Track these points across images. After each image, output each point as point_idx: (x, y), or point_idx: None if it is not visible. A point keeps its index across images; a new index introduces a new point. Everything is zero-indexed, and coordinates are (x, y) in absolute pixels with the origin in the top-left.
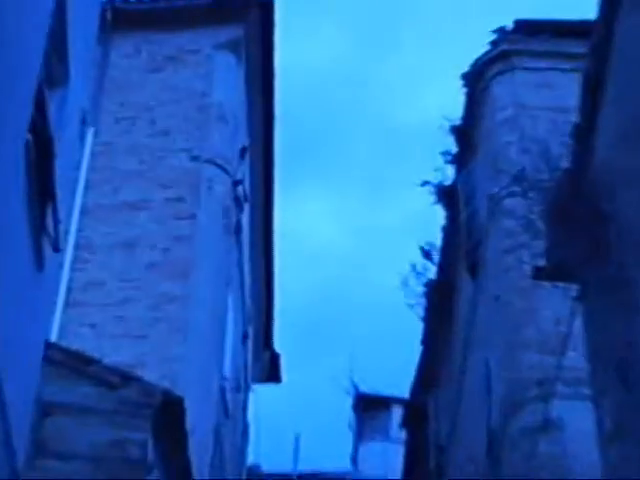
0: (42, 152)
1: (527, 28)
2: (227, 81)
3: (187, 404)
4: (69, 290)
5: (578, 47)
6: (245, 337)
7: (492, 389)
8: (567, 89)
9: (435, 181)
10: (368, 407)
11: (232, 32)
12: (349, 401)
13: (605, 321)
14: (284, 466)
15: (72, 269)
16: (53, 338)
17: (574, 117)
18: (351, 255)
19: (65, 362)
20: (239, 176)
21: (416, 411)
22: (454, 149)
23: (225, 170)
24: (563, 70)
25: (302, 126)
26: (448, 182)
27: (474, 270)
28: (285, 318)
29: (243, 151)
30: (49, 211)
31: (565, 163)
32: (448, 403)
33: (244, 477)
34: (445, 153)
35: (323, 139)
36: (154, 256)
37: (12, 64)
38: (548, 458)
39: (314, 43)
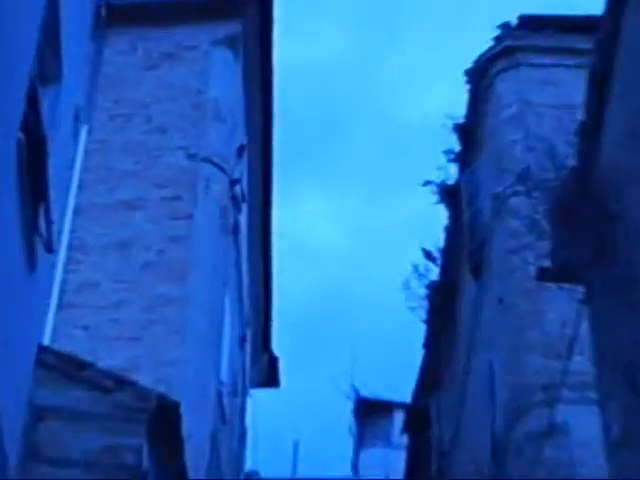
0: (34, 151)
1: (532, 24)
2: (225, 78)
3: (183, 409)
4: (62, 292)
5: (584, 43)
6: (243, 340)
7: (496, 393)
8: (573, 86)
9: (438, 180)
10: (369, 412)
11: (230, 28)
12: (349, 406)
13: (612, 323)
14: (283, 472)
15: (65, 270)
16: (46, 341)
17: (580, 114)
18: (351, 256)
19: (58, 366)
20: (237, 175)
21: (418, 416)
22: (457, 147)
23: (222, 169)
24: (568, 66)
25: (301, 124)
26: (451, 181)
27: (477, 271)
28: (284, 320)
29: (241, 149)
30: (42, 211)
31: (571, 161)
32: (451, 408)
33: None
34: (448, 151)
35: (323, 137)
36: (149, 257)
37: (4, 60)
38: (553, 464)
39: (314, 40)
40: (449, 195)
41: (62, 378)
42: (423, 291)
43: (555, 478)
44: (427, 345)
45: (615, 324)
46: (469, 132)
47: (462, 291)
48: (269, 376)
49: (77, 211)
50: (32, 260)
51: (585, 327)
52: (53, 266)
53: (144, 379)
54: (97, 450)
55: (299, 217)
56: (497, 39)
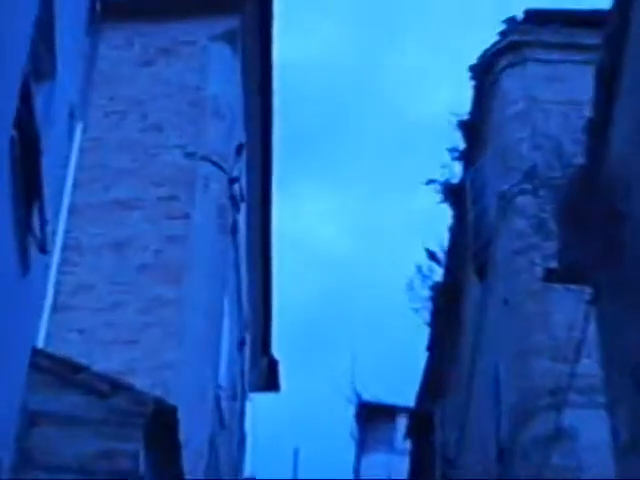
0: (28, 149)
1: (538, 18)
2: (223, 74)
3: (180, 413)
4: (56, 294)
5: (591, 38)
6: (242, 343)
7: (502, 397)
8: (580, 82)
9: (442, 179)
10: (371, 416)
11: (228, 23)
12: (351, 410)
13: (620, 325)
14: (283, 478)
15: (60, 272)
16: (40, 344)
17: (588, 111)
18: (353, 257)
19: (52, 369)
20: (235, 174)
21: (422, 420)
22: (462, 145)
23: (221, 167)
24: (576, 62)
25: (302, 122)
26: (455, 180)
27: (482, 272)
28: (284, 323)
29: (240, 148)
30: (35, 211)
31: (578, 159)
32: (455, 412)
33: None
34: (452, 149)
35: (324, 136)
36: (146, 258)
37: None
38: (561, 470)
39: (315, 36)
40: (453, 194)
41: (56, 382)
42: (427, 292)
43: (562, 478)
44: (431, 348)
45: (623, 326)
46: (474, 129)
47: (467, 292)
48: (269, 380)
49: (72, 211)
50: (25, 261)
51: (593, 329)
52: (47, 267)
53: (141, 383)
54: (92, 456)
55: (299, 217)
56: (503, 34)
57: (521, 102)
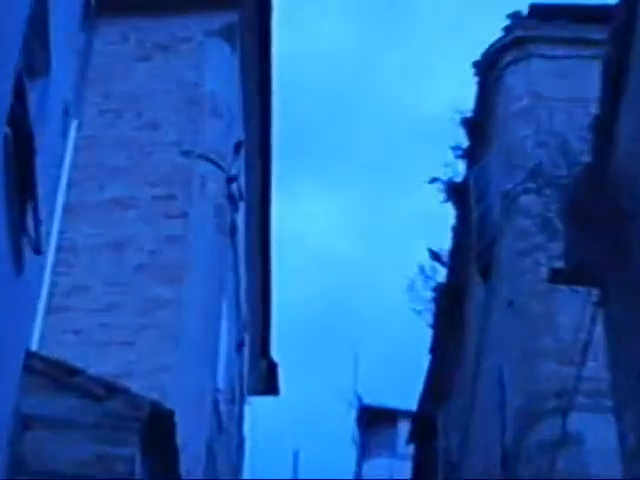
0: (22, 147)
1: (543, 13)
2: (221, 71)
3: (178, 417)
4: (51, 295)
5: (598, 33)
6: (240, 345)
7: (506, 401)
8: (586, 78)
9: (445, 177)
10: (373, 421)
11: (226, 18)
12: (353, 414)
13: (628, 327)
14: None
15: (54, 273)
16: (34, 346)
17: (594, 108)
18: (354, 257)
19: (46, 372)
20: (234, 172)
21: (424, 425)
22: (465, 143)
23: (219, 166)
24: (582, 57)
25: (302, 120)
26: (459, 178)
27: (486, 273)
28: (283, 324)
29: (238, 146)
30: (29, 210)
31: (584, 157)
32: (459, 416)
33: None
34: (455, 147)
35: (324, 134)
36: (142, 258)
37: None
38: (567, 475)
39: (315, 31)
40: (457, 193)
41: (51, 385)
42: (429, 294)
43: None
44: (434, 350)
45: (631, 328)
46: (478, 127)
47: (470, 294)
48: (268, 383)
49: (66, 210)
50: (19, 262)
51: (599, 331)
52: (42, 268)
53: (137, 386)
54: (87, 461)
55: (300, 216)
56: (507, 29)
57: (526, 99)
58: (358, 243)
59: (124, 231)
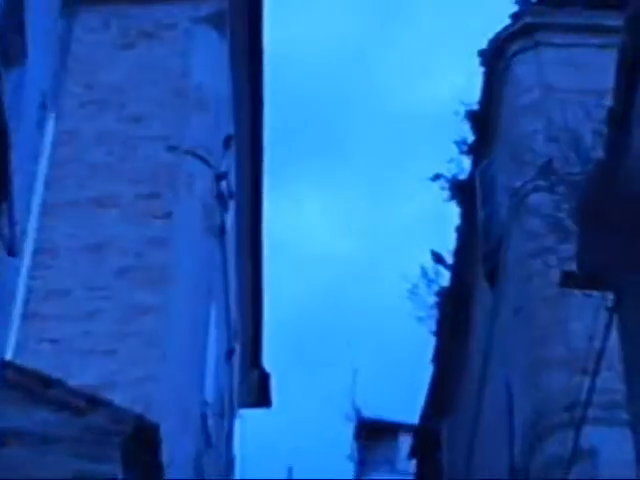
0: None
1: None
2: (209, 60)
3: (163, 431)
4: (27, 300)
5: (612, 19)
6: (230, 354)
7: (514, 414)
8: (600, 68)
9: (449, 174)
10: (372, 434)
11: (214, 4)
12: (350, 428)
13: None
14: None
15: (30, 276)
16: (8, 356)
17: (608, 100)
18: (352, 260)
19: (22, 383)
20: (223, 169)
21: (426, 439)
22: (470, 138)
23: (207, 162)
24: (595, 46)
25: (295, 113)
26: (463, 175)
27: (493, 277)
28: (276, 332)
29: (228, 140)
30: (4, 210)
31: (598, 153)
32: (463, 430)
33: None
34: (460, 142)
35: (320, 128)
36: (125, 261)
37: None
38: None
39: (311, 19)
40: (461, 191)
41: (26, 398)
42: (432, 299)
43: None
44: (436, 360)
45: None
46: (484, 120)
47: (476, 299)
48: (259, 395)
49: (44, 210)
50: None
51: (614, 339)
52: (17, 271)
53: (119, 398)
54: (66, 478)
55: (294, 217)
56: (515, 16)
57: (535, 90)
58: (357, 245)
59: (105, 232)
